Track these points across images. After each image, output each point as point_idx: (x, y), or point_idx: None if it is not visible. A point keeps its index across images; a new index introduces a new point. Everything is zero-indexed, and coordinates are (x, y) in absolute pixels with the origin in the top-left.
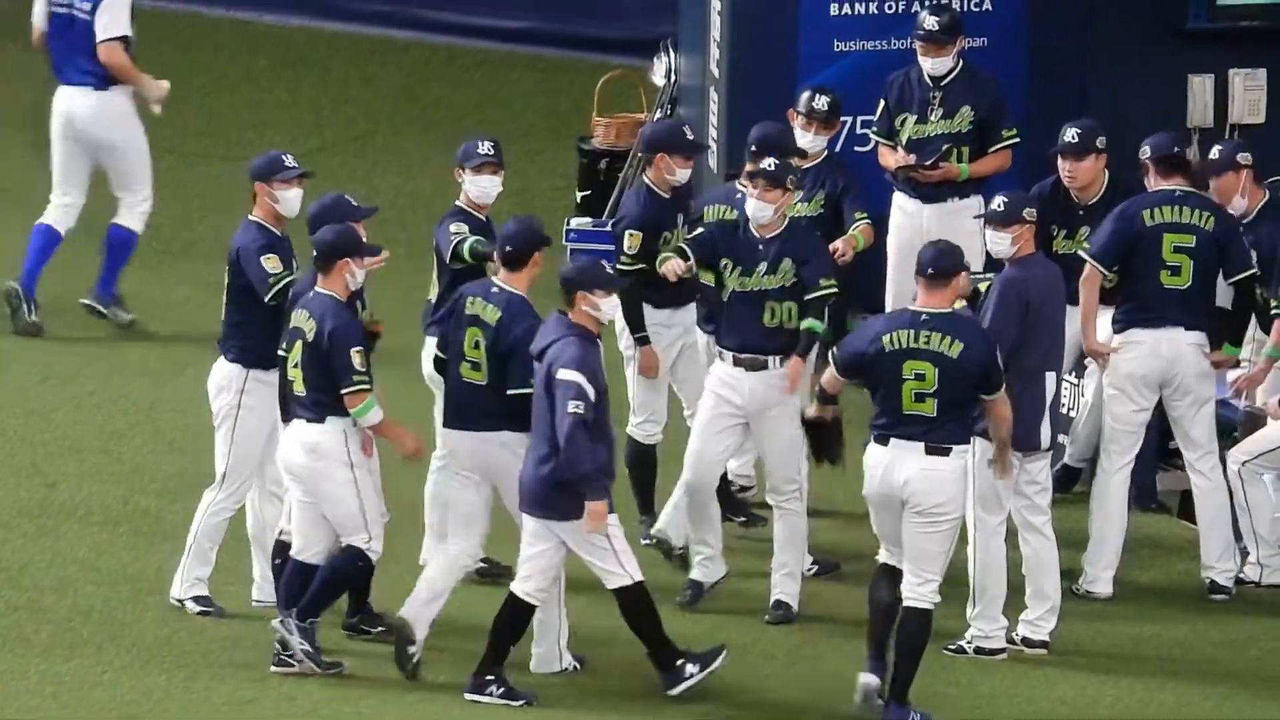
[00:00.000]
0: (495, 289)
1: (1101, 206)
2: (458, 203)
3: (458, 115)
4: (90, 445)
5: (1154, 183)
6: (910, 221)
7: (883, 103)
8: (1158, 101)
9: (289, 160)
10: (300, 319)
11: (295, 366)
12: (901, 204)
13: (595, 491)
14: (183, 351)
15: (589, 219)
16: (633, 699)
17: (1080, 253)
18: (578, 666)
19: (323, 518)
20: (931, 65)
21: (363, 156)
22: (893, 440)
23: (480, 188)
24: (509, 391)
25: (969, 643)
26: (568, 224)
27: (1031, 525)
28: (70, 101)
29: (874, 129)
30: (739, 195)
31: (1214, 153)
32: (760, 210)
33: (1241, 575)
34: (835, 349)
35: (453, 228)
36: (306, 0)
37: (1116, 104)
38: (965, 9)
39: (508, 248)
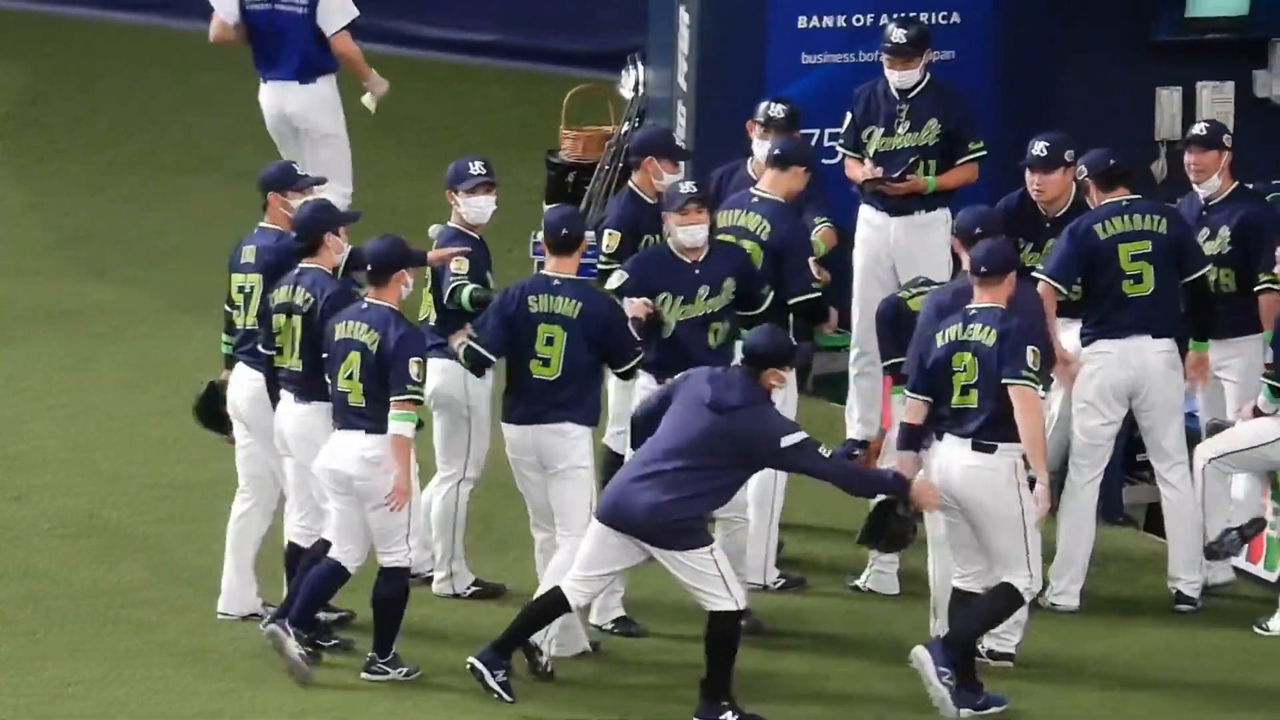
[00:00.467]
0: (557, 281)
1: (1069, 219)
2: (452, 224)
3: (429, 128)
4: (60, 457)
5: (1097, 199)
6: (877, 235)
7: (849, 115)
8: (1125, 114)
9: (300, 169)
10: (356, 330)
11: (349, 378)
12: (868, 217)
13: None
14: (154, 363)
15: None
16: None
17: (1035, 273)
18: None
19: (364, 526)
20: (898, 78)
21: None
22: (946, 436)
23: (476, 209)
24: (618, 372)
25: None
26: (534, 237)
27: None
28: (278, 96)
29: (840, 141)
30: (754, 199)
31: (1199, 128)
32: (695, 235)
33: (1209, 581)
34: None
35: (454, 267)
36: None
37: (1084, 117)
38: (933, 22)
39: (564, 231)
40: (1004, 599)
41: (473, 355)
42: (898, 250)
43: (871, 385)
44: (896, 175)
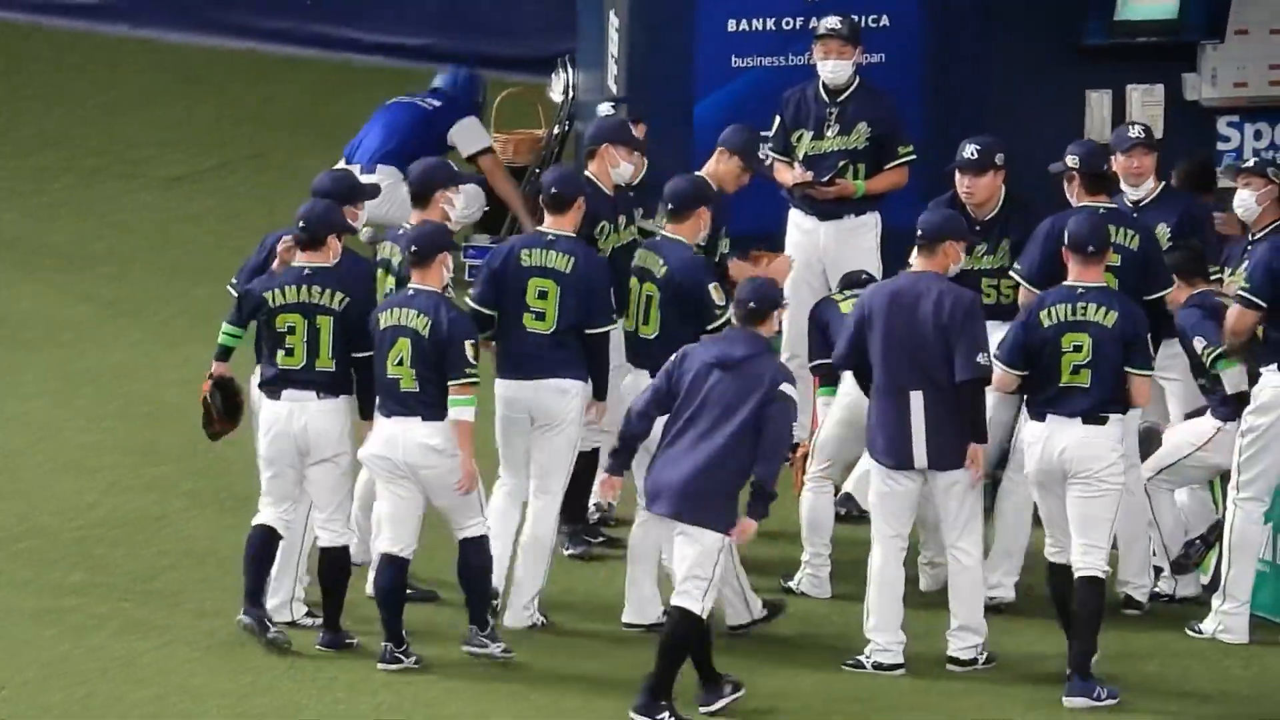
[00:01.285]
0: (551, 236)
1: (998, 222)
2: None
3: (356, 132)
4: None
5: (1077, 198)
6: (807, 239)
7: (778, 119)
8: (1056, 117)
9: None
10: (405, 317)
11: (400, 364)
12: (798, 221)
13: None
14: (81, 370)
15: (487, 235)
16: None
17: (1011, 273)
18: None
19: (419, 515)
20: (831, 69)
21: (262, 174)
22: (1049, 416)
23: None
24: (589, 332)
25: (867, 657)
26: (466, 240)
27: (956, 545)
28: None
29: (769, 145)
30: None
31: (1140, 131)
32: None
33: (1156, 589)
34: (997, 354)
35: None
36: (206, 19)
37: (1014, 120)
38: (863, 25)
39: (554, 190)
40: (1096, 596)
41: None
42: (828, 254)
43: (802, 388)
44: (825, 180)
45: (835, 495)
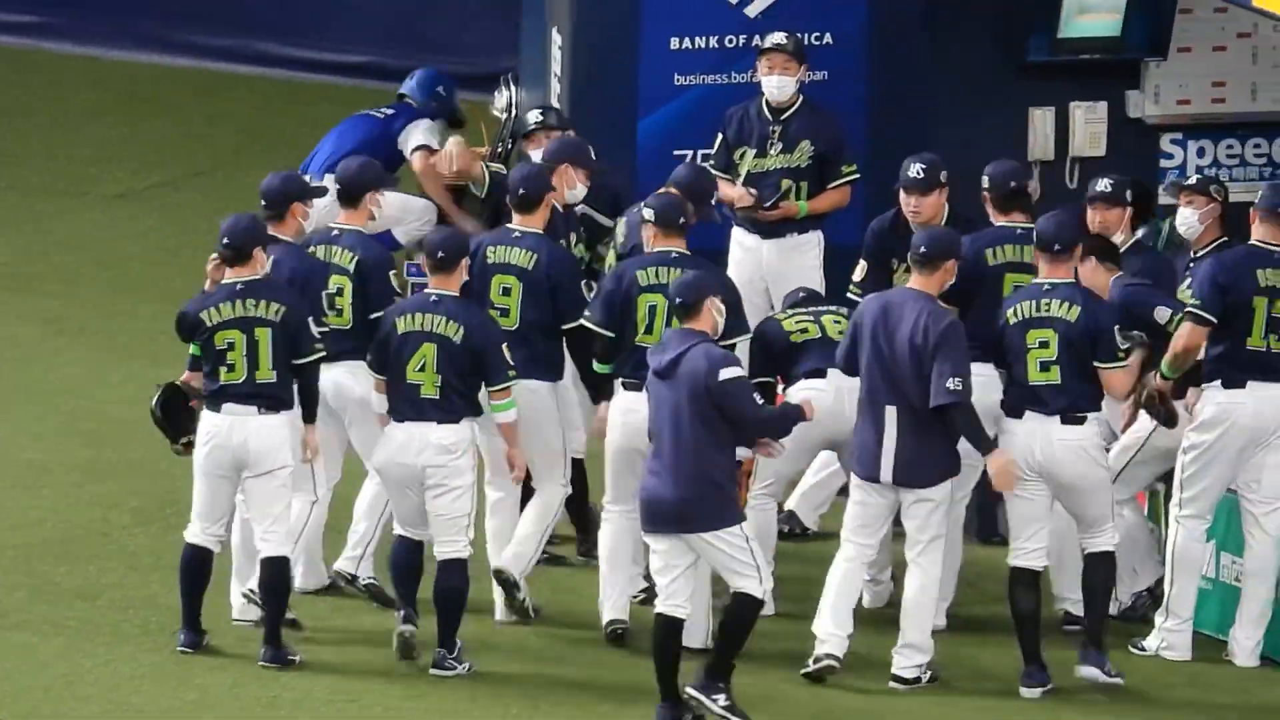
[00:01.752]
0: (518, 233)
1: None
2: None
3: (302, 150)
4: None
5: (994, 218)
6: (749, 257)
7: (721, 136)
8: (999, 134)
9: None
10: (431, 323)
11: (422, 370)
12: (740, 239)
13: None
14: (25, 386)
15: None
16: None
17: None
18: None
19: (425, 511)
20: (776, 84)
21: (206, 192)
22: (1027, 413)
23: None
24: (564, 328)
25: (815, 659)
26: (409, 258)
27: (916, 562)
28: None
29: (711, 163)
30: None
31: (1104, 185)
32: None
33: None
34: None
35: None
36: (151, 36)
37: (957, 137)
38: (806, 42)
39: (520, 190)
40: (1104, 568)
41: None
42: (770, 272)
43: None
44: (770, 204)
45: (779, 513)
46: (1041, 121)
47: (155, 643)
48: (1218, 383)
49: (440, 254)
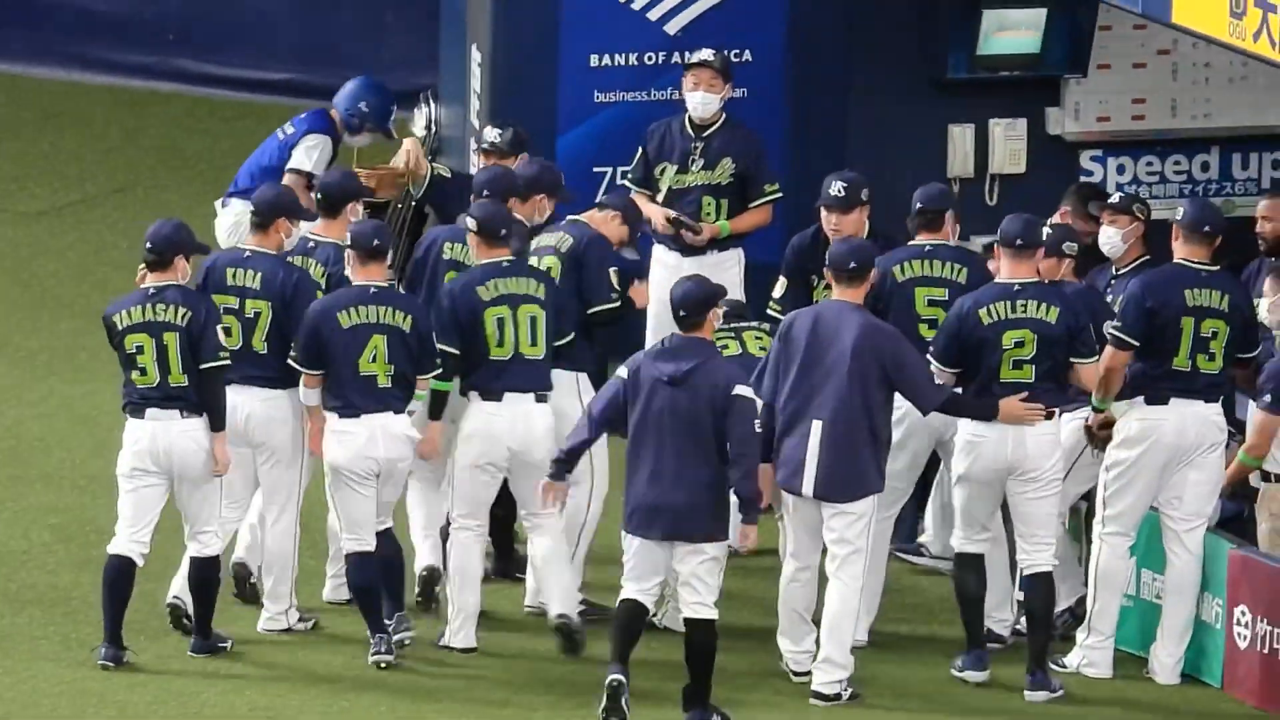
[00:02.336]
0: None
1: None
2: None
3: (220, 167)
4: None
5: (920, 236)
6: (670, 275)
7: (641, 150)
8: (918, 151)
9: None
10: (380, 315)
11: (374, 361)
12: (661, 256)
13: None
14: None
15: None
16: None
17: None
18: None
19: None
20: (700, 99)
21: (124, 209)
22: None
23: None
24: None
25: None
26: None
27: (836, 576)
28: None
29: (629, 178)
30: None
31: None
32: None
33: (1019, 627)
34: (931, 351)
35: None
36: (68, 52)
37: (877, 154)
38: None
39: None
40: (1045, 588)
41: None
42: None
43: None
44: (696, 226)
45: None
46: (961, 139)
47: (76, 656)
48: (1140, 399)
49: (376, 243)
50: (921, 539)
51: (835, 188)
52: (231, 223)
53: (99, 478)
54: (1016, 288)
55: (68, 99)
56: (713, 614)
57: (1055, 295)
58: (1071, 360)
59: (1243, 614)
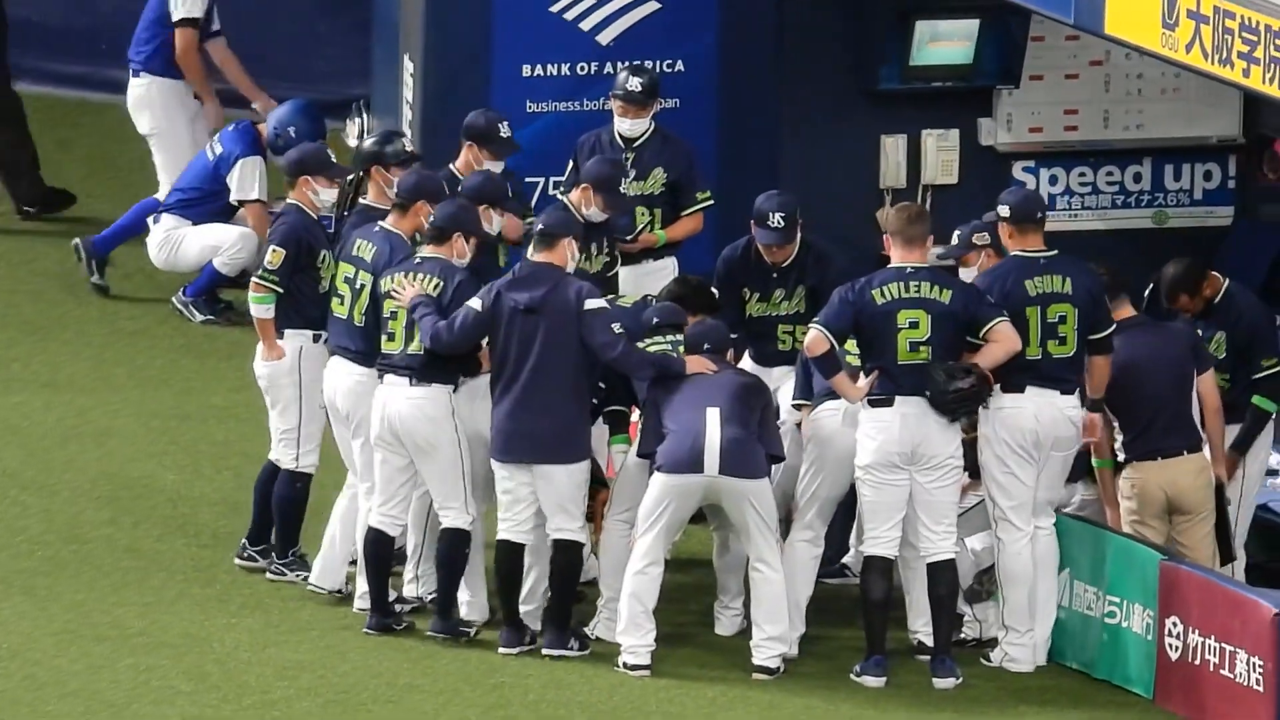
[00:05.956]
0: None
1: (794, 269)
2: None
3: (152, 176)
4: None
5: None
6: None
7: (572, 163)
8: (851, 162)
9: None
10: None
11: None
12: None
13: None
14: None
15: None
16: None
17: (812, 323)
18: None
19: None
20: (629, 126)
21: (56, 219)
22: (898, 399)
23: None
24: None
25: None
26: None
27: (761, 559)
28: None
29: (562, 190)
30: None
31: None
32: None
33: (963, 635)
34: (819, 323)
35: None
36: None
37: (809, 164)
38: (658, 69)
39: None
40: (948, 575)
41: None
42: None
43: (597, 434)
44: (630, 237)
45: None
46: (893, 149)
47: None
48: (998, 387)
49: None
50: (846, 559)
51: (774, 220)
52: (161, 238)
53: (31, 486)
54: (909, 270)
55: None
56: (580, 537)
57: (948, 279)
58: (982, 337)
59: (1174, 625)
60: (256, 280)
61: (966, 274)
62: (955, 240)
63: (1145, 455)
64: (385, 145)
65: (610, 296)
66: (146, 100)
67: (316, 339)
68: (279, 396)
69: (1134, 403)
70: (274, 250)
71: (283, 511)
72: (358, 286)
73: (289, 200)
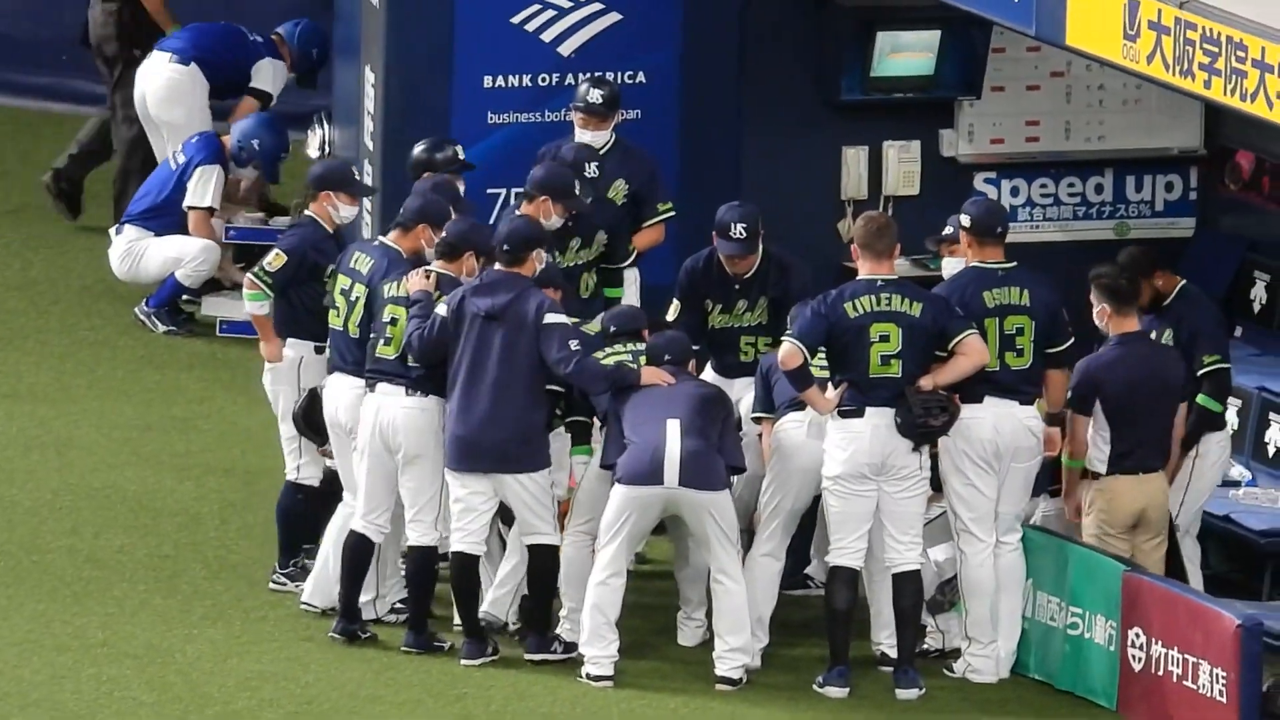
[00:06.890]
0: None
1: (756, 280)
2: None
3: (108, 191)
4: None
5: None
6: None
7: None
8: (812, 173)
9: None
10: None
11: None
12: None
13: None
14: None
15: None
16: None
17: (785, 336)
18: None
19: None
20: (590, 138)
21: (17, 230)
22: (868, 410)
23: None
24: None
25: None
26: (230, 222)
27: (723, 572)
28: None
29: (513, 204)
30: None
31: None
32: None
33: (925, 646)
34: (793, 336)
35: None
36: None
37: (771, 175)
38: (619, 81)
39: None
40: (913, 586)
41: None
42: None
43: (560, 446)
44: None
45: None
46: (855, 160)
47: None
48: (956, 397)
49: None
50: (808, 570)
51: (736, 231)
52: (124, 249)
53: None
54: (880, 283)
55: None
56: (554, 539)
57: (918, 292)
58: (949, 348)
59: (1137, 636)
60: (250, 277)
61: (952, 263)
62: (948, 230)
63: (1127, 470)
64: (436, 152)
65: (576, 321)
66: (188, 89)
67: (318, 350)
68: (281, 406)
69: (1134, 421)
70: (277, 254)
71: (283, 522)
72: (353, 299)
73: (307, 212)
